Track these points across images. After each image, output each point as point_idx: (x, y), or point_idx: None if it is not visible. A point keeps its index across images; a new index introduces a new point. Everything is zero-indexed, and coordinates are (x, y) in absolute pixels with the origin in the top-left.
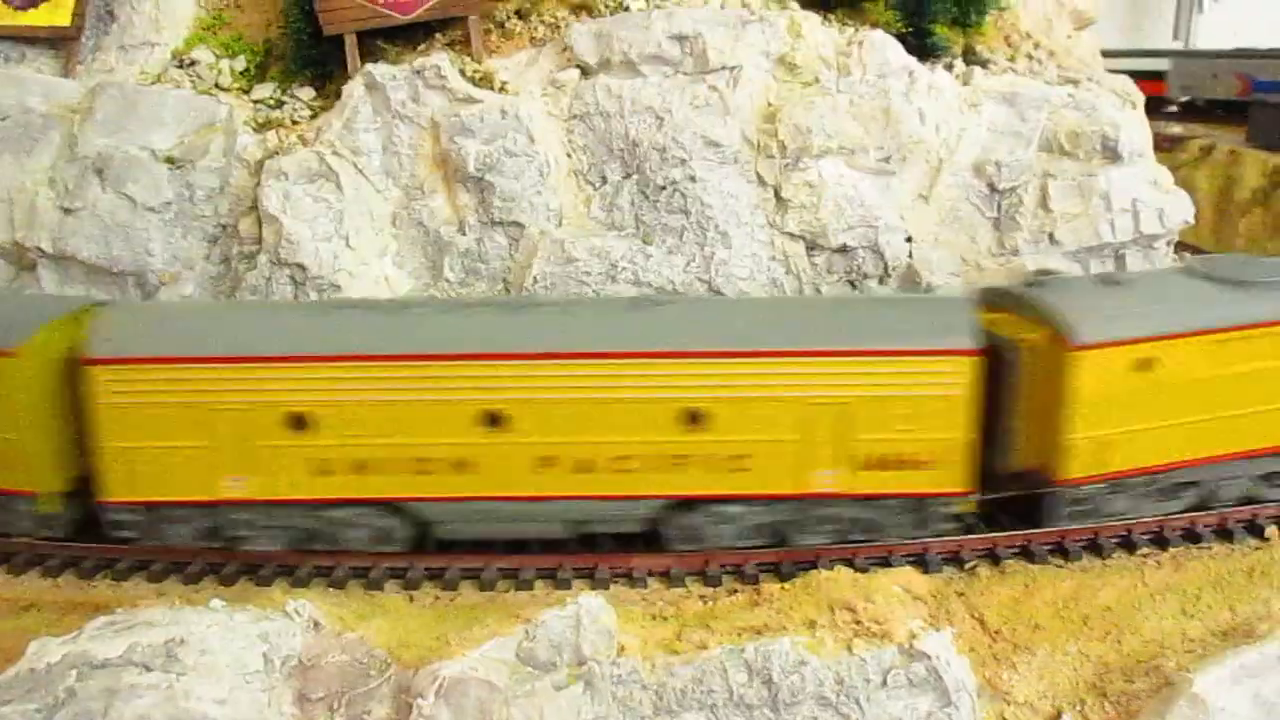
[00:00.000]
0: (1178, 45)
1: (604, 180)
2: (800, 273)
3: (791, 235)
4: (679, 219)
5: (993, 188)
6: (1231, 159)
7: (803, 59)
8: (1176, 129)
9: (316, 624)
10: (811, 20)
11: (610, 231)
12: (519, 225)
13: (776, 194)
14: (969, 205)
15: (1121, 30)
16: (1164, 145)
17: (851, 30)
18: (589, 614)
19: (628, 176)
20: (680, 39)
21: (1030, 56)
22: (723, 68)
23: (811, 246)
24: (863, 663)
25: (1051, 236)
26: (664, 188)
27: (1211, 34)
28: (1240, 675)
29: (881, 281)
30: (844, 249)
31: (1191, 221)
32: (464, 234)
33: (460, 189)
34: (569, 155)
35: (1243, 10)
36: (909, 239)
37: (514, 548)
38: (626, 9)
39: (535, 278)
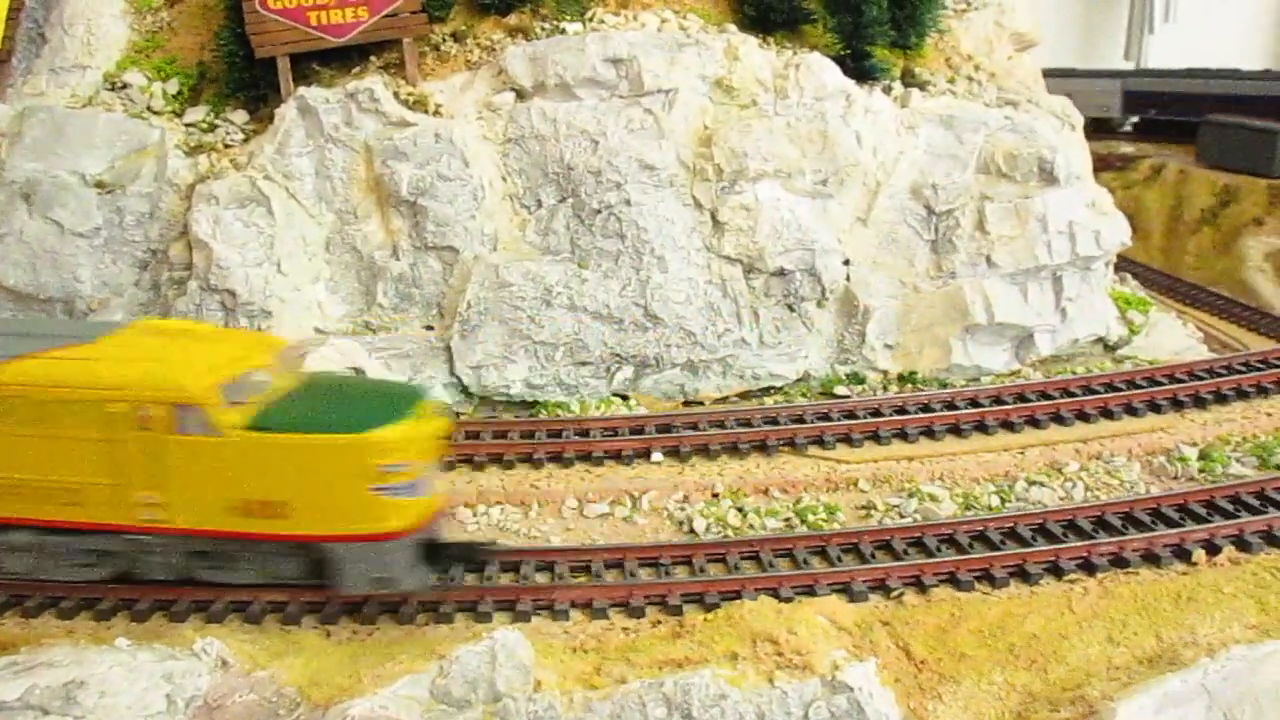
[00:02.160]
0: (1128, 65)
1: (539, 204)
2: (737, 296)
3: (728, 259)
4: (614, 243)
5: (930, 210)
6: (1181, 178)
7: (740, 82)
8: (1128, 148)
9: (225, 662)
10: (749, 43)
11: (545, 256)
12: (453, 250)
13: (713, 217)
14: (907, 228)
15: (1074, 51)
16: (1115, 164)
17: (790, 53)
18: (505, 649)
19: (563, 200)
20: (615, 62)
21: (970, 78)
22: (658, 91)
23: (749, 270)
24: (784, 695)
25: (989, 259)
26: (599, 211)
27: (1162, 54)
28: (1164, 704)
29: (819, 305)
30: (781, 272)
31: (1128, 243)
32: (397, 259)
33: (393, 213)
34: (504, 179)
35: (1193, 31)
36: (847, 262)
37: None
38: (563, 32)
39: (469, 303)
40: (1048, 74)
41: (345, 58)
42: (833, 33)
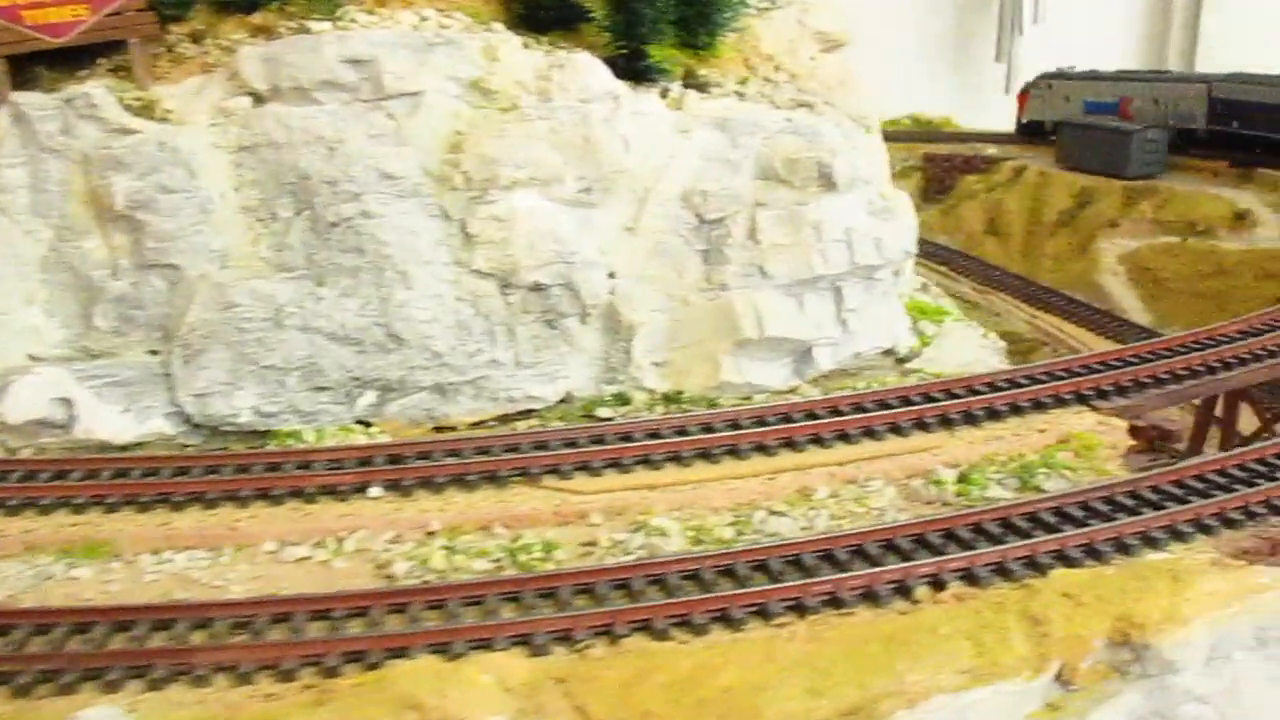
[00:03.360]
0: (1000, 66)
1: (275, 217)
2: (491, 313)
3: (480, 273)
4: (353, 258)
5: (701, 219)
6: (1041, 180)
7: (499, 84)
8: (991, 150)
9: None
10: (511, 43)
11: (279, 273)
12: (176, 268)
13: (463, 229)
14: (677, 238)
15: (947, 52)
16: (980, 166)
17: (560, 53)
18: None
19: (299, 213)
20: (355, 63)
21: (768, 79)
22: (402, 94)
23: (504, 285)
24: None
25: (762, 270)
26: (336, 224)
27: (1033, 55)
28: None
29: (582, 321)
30: (538, 287)
31: (913, 251)
32: (117, 278)
33: (113, 229)
34: (237, 190)
35: (1062, 32)
36: (612, 275)
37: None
38: (309, 31)
39: (192, 325)
40: (1127, 77)
41: (74, 60)
42: (610, 32)
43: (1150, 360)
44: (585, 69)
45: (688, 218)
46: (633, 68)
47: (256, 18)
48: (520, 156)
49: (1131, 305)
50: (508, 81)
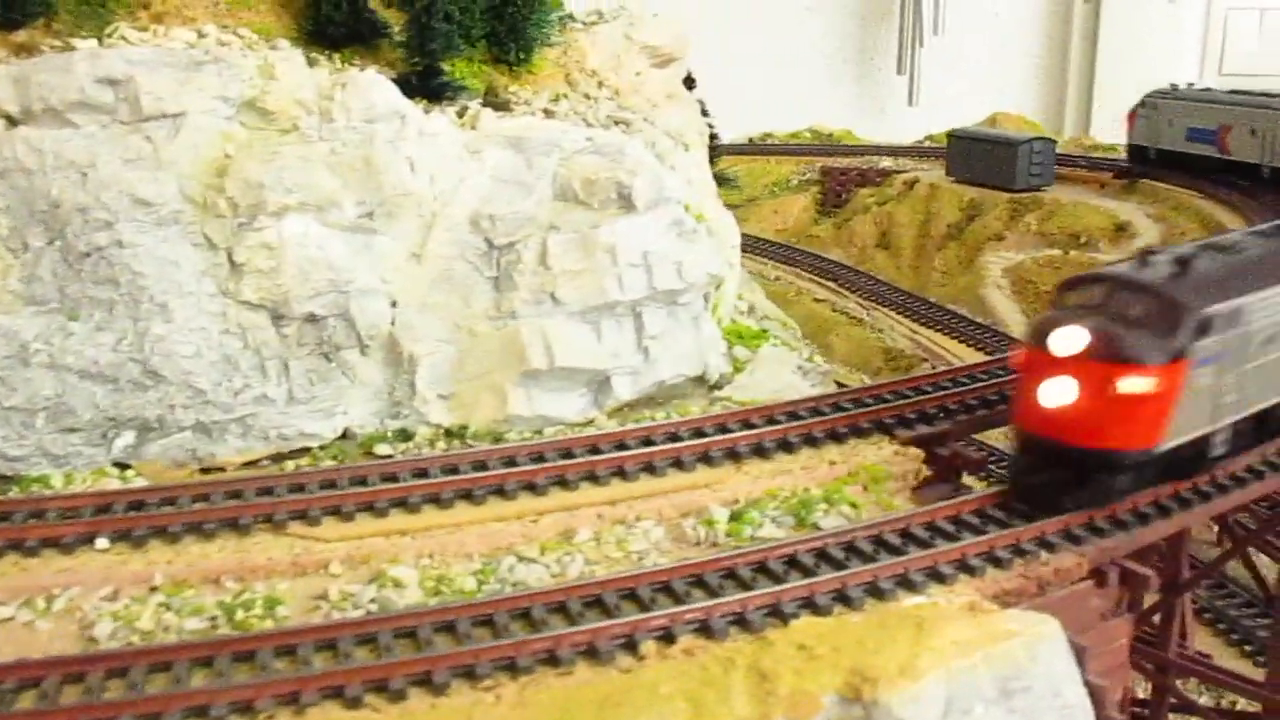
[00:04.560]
0: (901, 79)
1: (25, 248)
2: (261, 346)
3: (250, 304)
4: (107, 290)
5: (490, 243)
6: (931, 193)
7: (276, 104)
8: (886, 163)
9: None
10: (293, 61)
11: (28, 306)
12: None
13: (229, 258)
14: (465, 264)
15: (849, 65)
16: (874, 179)
17: (342, 71)
18: None
19: (51, 242)
20: (111, 83)
21: (588, 96)
22: (163, 115)
23: (277, 316)
24: None
25: (554, 296)
26: (89, 254)
27: (935, 67)
28: None
29: (362, 353)
30: (313, 318)
31: (718, 274)
32: None
33: None
34: None
35: (960, 40)
36: (394, 304)
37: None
38: (74, 49)
39: None
40: (1237, 101)
41: None
42: (403, 48)
43: (955, 387)
44: (370, 87)
45: (477, 243)
46: (426, 85)
47: (19, 35)
48: (291, 180)
49: (1014, 319)
50: (287, 101)
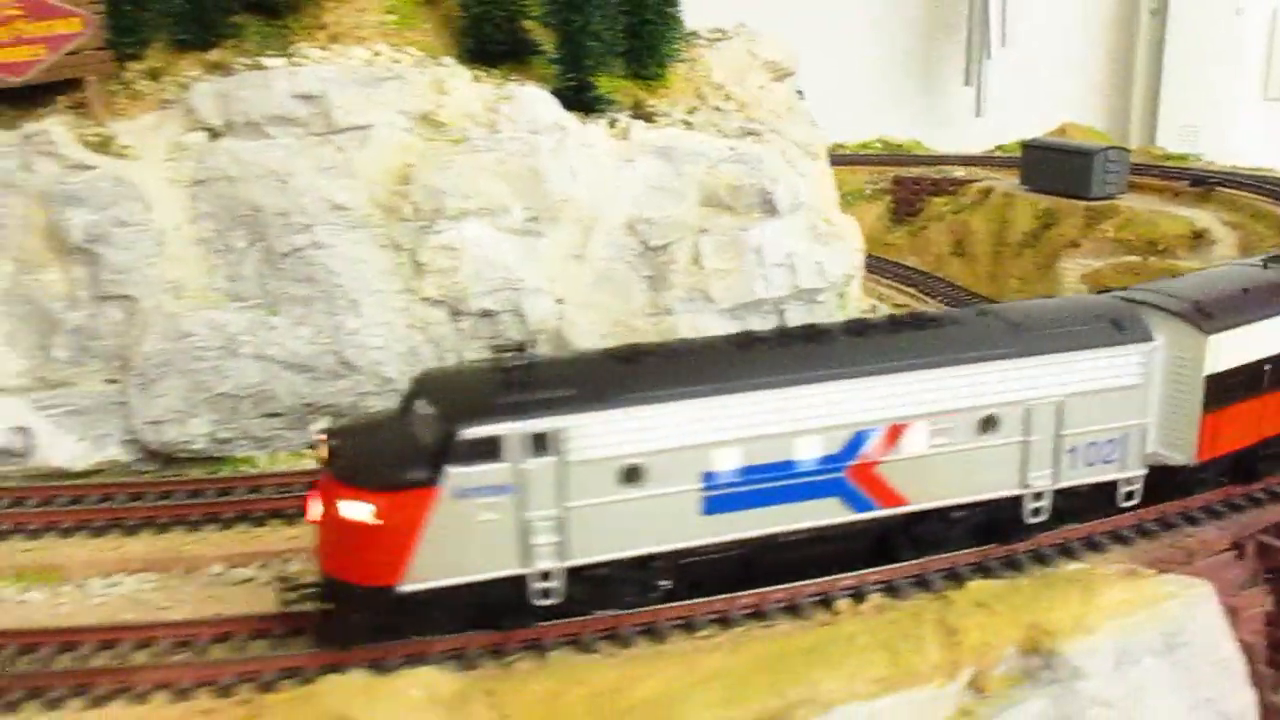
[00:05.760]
0: (968, 90)
1: (229, 249)
2: (440, 339)
3: (430, 301)
4: (305, 288)
5: (645, 245)
6: (1006, 202)
7: (449, 116)
8: (959, 173)
9: None
10: (461, 76)
11: (234, 303)
12: (132, 299)
13: (413, 259)
14: (623, 265)
15: (915, 77)
16: (948, 189)
17: (509, 86)
18: None
19: (253, 244)
20: (306, 98)
21: (717, 109)
22: (351, 128)
23: (454, 312)
24: None
25: (706, 294)
26: (288, 255)
27: (1002, 78)
28: None
29: (531, 346)
30: (487, 313)
31: (854, 274)
32: (75, 310)
33: (70, 262)
34: (192, 223)
35: (1026, 51)
36: (559, 301)
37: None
38: (263, 67)
39: (147, 354)
40: None
41: (29, 98)
42: (558, 65)
43: None
44: (533, 101)
45: (633, 245)
46: (580, 99)
47: (212, 54)
48: (468, 187)
49: None
50: (457, 114)
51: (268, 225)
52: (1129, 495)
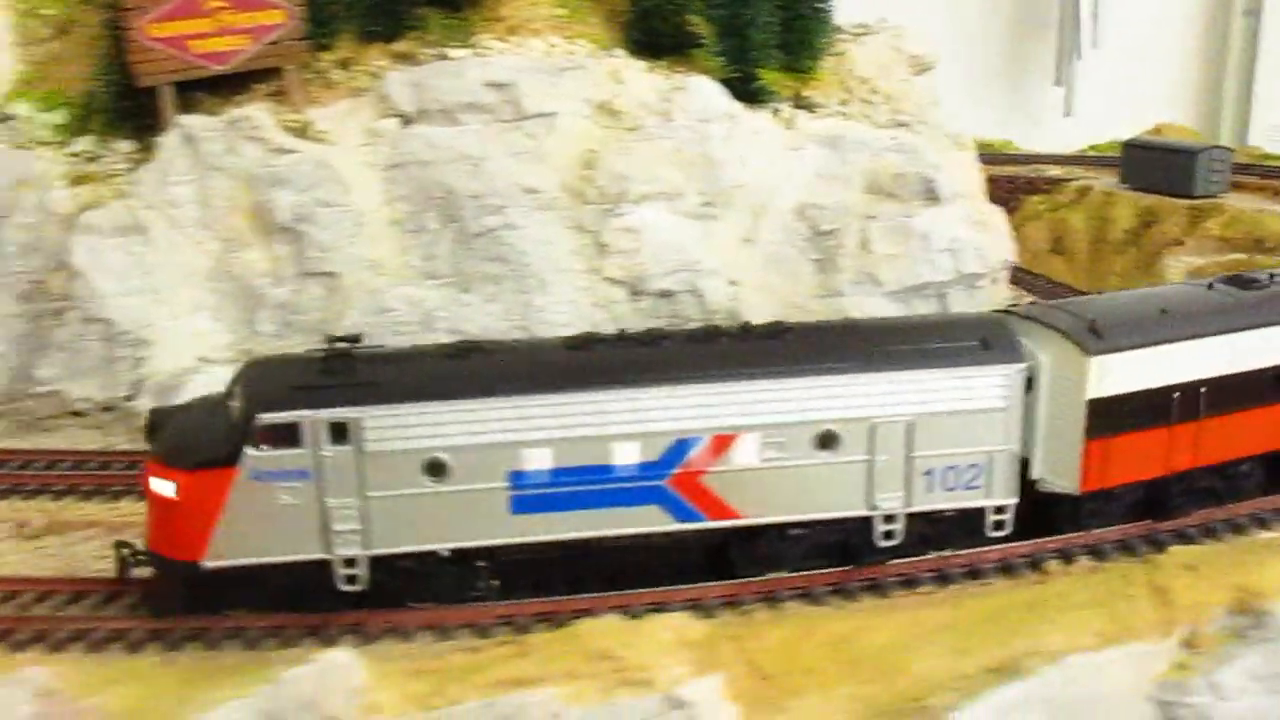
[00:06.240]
0: (1057, 90)
1: (422, 229)
2: (620, 318)
3: (612, 280)
4: (497, 266)
5: (815, 230)
6: (1106, 200)
7: (624, 105)
8: (1055, 171)
9: (50, 691)
10: (634, 67)
11: (428, 280)
12: (334, 276)
13: (596, 240)
14: (791, 248)
15: (1003, 76)
16: (1043, 187)
17: (679, 76)
18: (335, 671)
19: (445, 225)
20: (496, 86)
21: (865, 100)
22: (539, 114)
23: (634, 292)
24: (622, 712)
25: (873, 277)
26: (480, 235)
27: (1092, 78)
28: (1003, 711)
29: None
30: (665, 293)
31: (1013, 260)
32: (279, 286)
33: (275, 241)
34: (387, 204)
35: (1120, 52)
36: (732, 282)
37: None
38: (448, 58)
39: (349, 328)
40: None
41: (231, 85)
42: (721, 56)
43: None
44: (705, 91)
45: (802, 229)
46: (746, 90)
47: (399, 45)
48: (647, 172)
49: None
50: (632, 103)
51: (461, 207)
52: (998, 525)
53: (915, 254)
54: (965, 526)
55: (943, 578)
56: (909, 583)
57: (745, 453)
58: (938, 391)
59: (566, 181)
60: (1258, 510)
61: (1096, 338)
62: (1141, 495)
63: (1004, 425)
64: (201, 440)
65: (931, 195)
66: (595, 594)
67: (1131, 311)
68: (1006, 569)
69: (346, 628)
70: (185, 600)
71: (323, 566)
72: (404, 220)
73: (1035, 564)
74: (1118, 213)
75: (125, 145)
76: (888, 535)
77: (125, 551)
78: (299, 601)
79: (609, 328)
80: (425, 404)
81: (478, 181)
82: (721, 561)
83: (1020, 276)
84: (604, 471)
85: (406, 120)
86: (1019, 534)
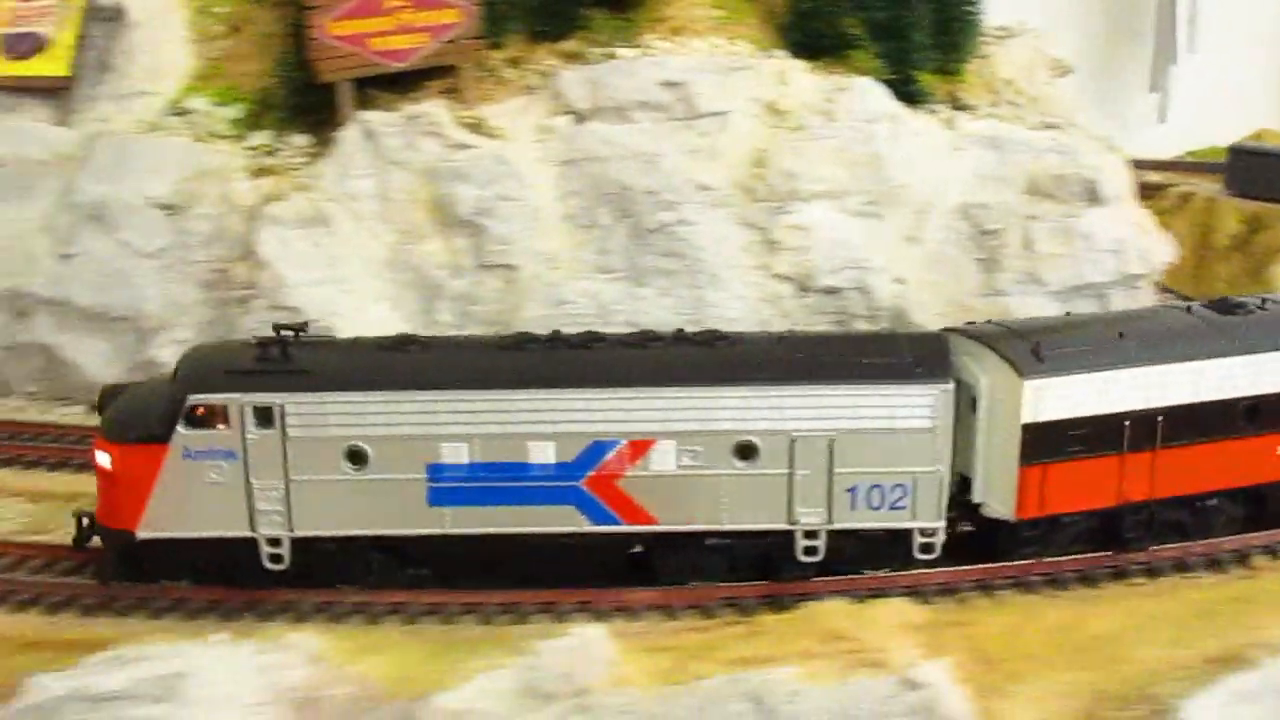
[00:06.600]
0: (1151, 96)
1: (595, 224)
2: (788, 314)
3: (781, 277)
4: (671, 261)
5: (978, 230)
6: (1208, 206)
7: (789, 105)
8: (1155, 177)
9: (317, 658)
10: (797, 68)
11: (602, 274)
12: (512, 268)
13: (766, 237)
14: (954, 248)
15: (1096, 82)
16: (1143, 193)
17: (838, 77)
18: (588, 644)
19: (619, 220)
20: (669, 85)
21: (1011, 103)
22: (711, 113)
23: (801, 288)
24: (860, 692)
25: (1037, 277)
26: (655, 231)
27: (1188, 84)
28: (1233, 701)
29: (870, 322)
30: (832, 290)
31: (1174, 261)
32: (458, 278)
33: (454, 233)
34: (560, 200)
35: (1213, 58)
36: (897, 280)
37: (513, 582)
38: (616, 57)
39: (527, 320)
40: None
41: (404, 82)
42: (879, 58)
43: None
44: (866, 92)
45: (964, 229)
46: (904, 91)
47: (567, 45)
48: (815, 171)
49: None
50: (796, 103)
51: (635, 202)
52: (926, 548)
53: (1079, 254)
54: (895, 547)
55: (1151, 571)
56: (1119, 574)
57: (662, 459)
58: (861, 408)
59: (737, 179)
60: None
61: (1036, 360)
62: (1097, 524)
63: (930, 446)
64: (139, 417)
65: (1093, 196)
66: (820, 578)
67: (1085, 334)
68: (1214, 563)
69: (576, 605)
70: (120, 568)
71: (251, 544)
72: (577, 215)
73: (1243, 559)
74: (1222, 219)
75: (301, 139)
76: (809, 551)
77: (86, 521)
78: (229, 577)
79: (778, 324)
80: (348, 394)
81: (652, 178)
82: (645, 566)
83: None
84: (520, 469)
85: (580, 117)
86: (975, 557)
